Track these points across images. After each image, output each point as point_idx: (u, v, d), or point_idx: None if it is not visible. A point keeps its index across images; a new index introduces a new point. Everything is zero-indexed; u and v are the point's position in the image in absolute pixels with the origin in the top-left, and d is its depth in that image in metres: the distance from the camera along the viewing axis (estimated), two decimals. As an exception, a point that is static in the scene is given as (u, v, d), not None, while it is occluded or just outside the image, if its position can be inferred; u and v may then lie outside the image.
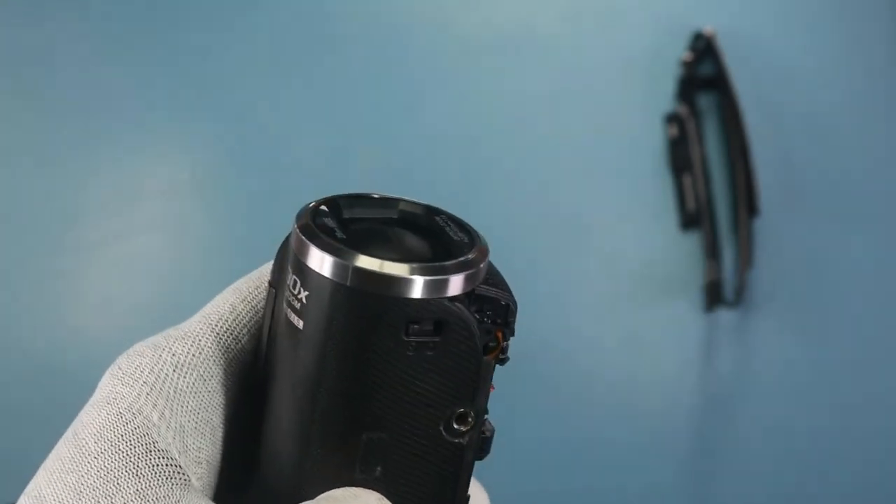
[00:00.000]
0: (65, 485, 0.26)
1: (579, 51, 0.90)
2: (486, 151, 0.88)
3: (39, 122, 0.83)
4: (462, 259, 0.28)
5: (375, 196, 0.31)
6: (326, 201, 0.29)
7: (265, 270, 0.30)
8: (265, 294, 0.29)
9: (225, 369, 0.29)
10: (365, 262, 0.27)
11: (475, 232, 0.30)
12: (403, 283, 0.27)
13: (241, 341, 0.29)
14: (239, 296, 0.29)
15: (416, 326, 0.28)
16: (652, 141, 0.90)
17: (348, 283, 0.27)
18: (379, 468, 0.29)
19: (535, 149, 0.88)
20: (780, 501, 0.86)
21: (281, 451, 0.29)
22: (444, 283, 0.28)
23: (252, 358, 0.30)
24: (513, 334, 0.30)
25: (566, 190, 0.88)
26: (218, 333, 0.29)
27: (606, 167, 0.89)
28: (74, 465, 0.26)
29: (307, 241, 0.27)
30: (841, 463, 0.87)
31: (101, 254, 0.81)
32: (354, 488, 0.28)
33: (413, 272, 0.27)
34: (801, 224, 0.90)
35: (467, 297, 0.28)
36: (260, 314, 0.30)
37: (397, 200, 0.31)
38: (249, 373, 0.30)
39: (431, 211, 0.31)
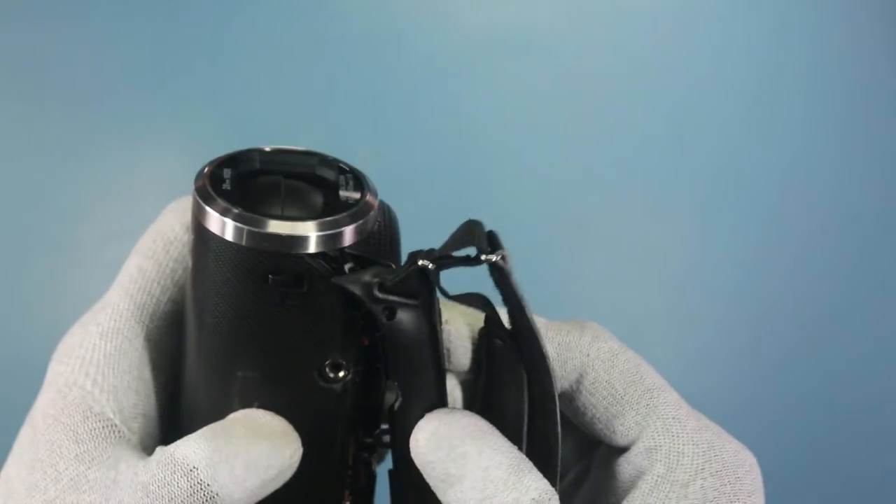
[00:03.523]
0: (22, 463, 0.28)
1: (581, 51, 0.90)
2: (486, 152, 0.88)
3: (38, 122, 0.82)
4: (328, 219, 0.29)
5: (286, 150, 0.32)
6: (226, 160, 0.32)
7: (161, 222, 0.33)
8: (171, 246, 0.31)
9: (147, 325, 0.31)
10: (218, 209, 0.29)
11: (369, 189, 0.31)
12: (245, 233, 0.28)
13: (154, 295, 0.31)
14: (142, 255, 0.31)
15: (275, 277, 0.28)
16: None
17: (210, 229, 0.28)
18: (256, 404, 0.30)
19: (538, 149, 0.88)
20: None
21: (184, 388, 0.31)
22: (303, 240, 0.28)
23: (176, 306, 0.32)
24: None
25: (570, 191, 0.88)
26: (132, 295, 0.31)
27: (610, 168, 0.89)
28: (29, 444, 0.29)
29: (197, 200, 0.29)
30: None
31: (101, 254, 0.81)
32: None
33: (238, 220, 0.28)
34: None
35: (341, 252, 0.29)
36: (167, 265, 0.32)
37: (298, 153, 0.31)
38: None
39: (329, 163, 0.31)
